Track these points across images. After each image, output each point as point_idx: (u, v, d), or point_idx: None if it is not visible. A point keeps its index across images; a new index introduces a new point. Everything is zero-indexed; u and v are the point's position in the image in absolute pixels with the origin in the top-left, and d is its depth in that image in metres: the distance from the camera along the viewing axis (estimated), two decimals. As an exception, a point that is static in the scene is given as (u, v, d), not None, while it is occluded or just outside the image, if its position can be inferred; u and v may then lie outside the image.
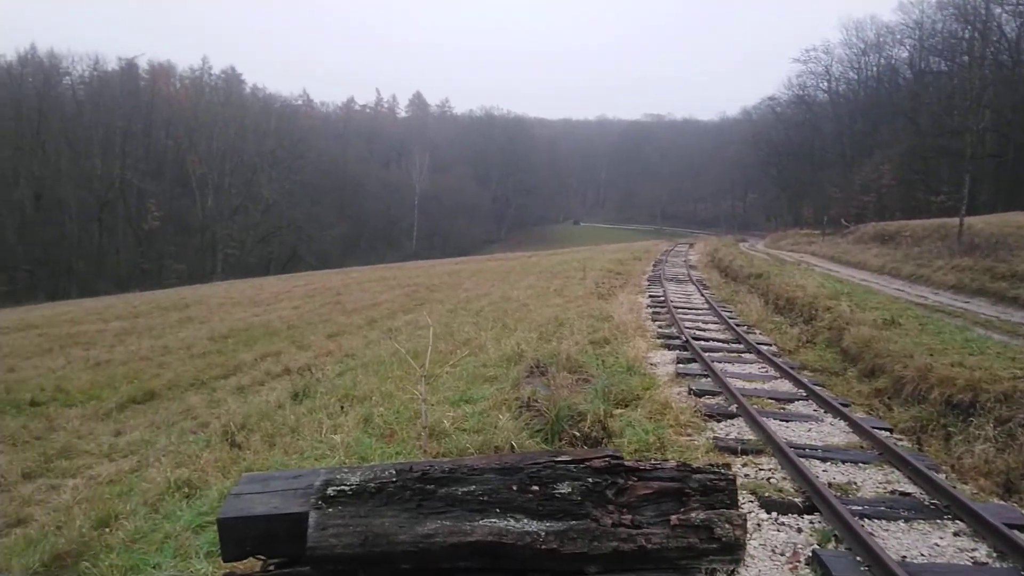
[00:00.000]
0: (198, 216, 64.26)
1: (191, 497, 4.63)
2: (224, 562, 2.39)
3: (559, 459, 2.36)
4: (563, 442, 5.07)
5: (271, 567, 2.40)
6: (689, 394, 6.65)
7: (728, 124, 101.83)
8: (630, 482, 2.27)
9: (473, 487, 2.20)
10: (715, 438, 5.41)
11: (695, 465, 2.33)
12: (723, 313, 11.93)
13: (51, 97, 58.05)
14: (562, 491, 2.19)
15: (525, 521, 2.14)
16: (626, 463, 2.30)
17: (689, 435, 5.46)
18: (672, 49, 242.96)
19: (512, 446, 4.63)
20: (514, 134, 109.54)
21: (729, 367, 8.01)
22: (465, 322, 11.35)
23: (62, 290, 50.50)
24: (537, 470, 2.23)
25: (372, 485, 2.23)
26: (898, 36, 49.57)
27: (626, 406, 6.07)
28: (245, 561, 2.43)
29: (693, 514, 2.20)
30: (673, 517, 2.19)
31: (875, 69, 54.76)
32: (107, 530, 4.16)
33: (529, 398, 5.86)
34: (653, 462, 2.35)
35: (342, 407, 6.40)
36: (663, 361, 8.12)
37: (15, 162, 53.49)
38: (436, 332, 10.72)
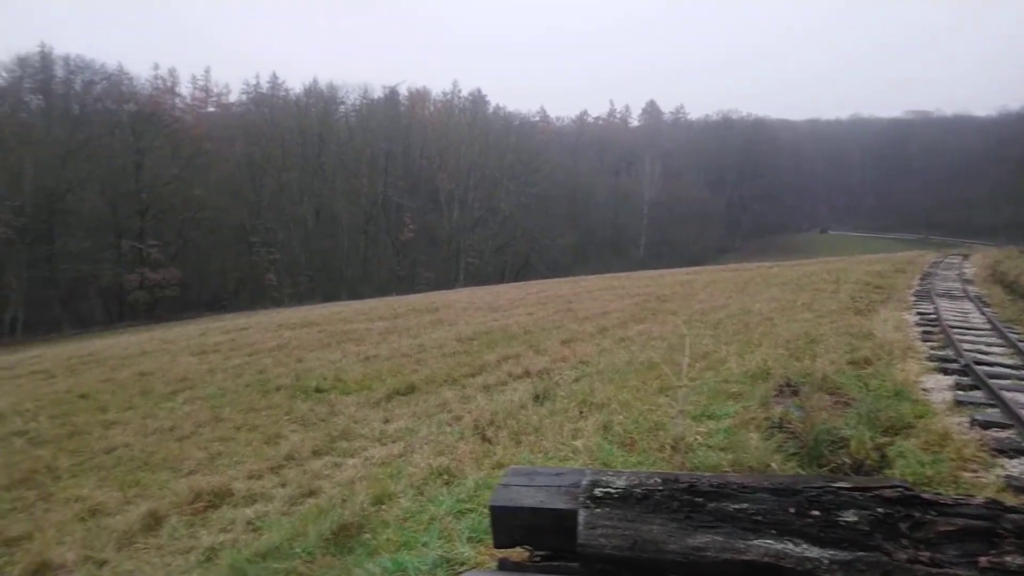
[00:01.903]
0: (445, 228, 70.01)
1: (450, 484, 5.02)
2: (495, 548, 2.54)
3: (837, 485, 2.18)
4: (823, 468, 4.69)
5: (537, 558, 2.51)
6: (972, 425, 5.79)
7: (1010, 120, 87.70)
8: (928, 517, 2.02)
9: (745, 505, 2.11)
10: (1007, 476, 4.64)
11: (1008, 503, 2.02)
12: (1010, 335, 10.21)
13: (329, 124, 67.04)
14: (847, 519, 2.02)
15: (805, 546, 2.01)
16: (923, 495, 2.06)
17: (974, 471, 4.76)
18: (939, 43, 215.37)
19: (769, 467, 4.38)
20: (753, 137, 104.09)
21: (1022, 397, 6.84)
22: (702, 334, 10.99)
23: (334, 293, 57.89)
24: (817, 494, 2.08)
25: (638, 491, 2.24)
26: None
27: (895, 434, 5.45)
28: (513, 549, 2.57)
29: (1008, 558, 1.90)
30: (982, 559, 1.91)
31: None
32: (382, 507, 4.64)
33: (781, 418, 5.51)
34: (955, 497, 2.07)
35: (581, 412, 6.53)
36: (938, 387, 7.16)
37: (301, 182, 62.53)
38: (671, 344, 10.56)
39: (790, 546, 2.03)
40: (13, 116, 50.73)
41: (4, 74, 53.97)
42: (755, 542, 2.04)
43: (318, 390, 9.95)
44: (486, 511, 4.37)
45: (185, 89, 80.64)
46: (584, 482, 2.36)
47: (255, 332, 18.84)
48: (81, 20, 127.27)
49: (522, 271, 68.79)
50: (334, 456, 6.60)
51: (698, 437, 5.18)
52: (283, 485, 5.86)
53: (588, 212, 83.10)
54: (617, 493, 2.28)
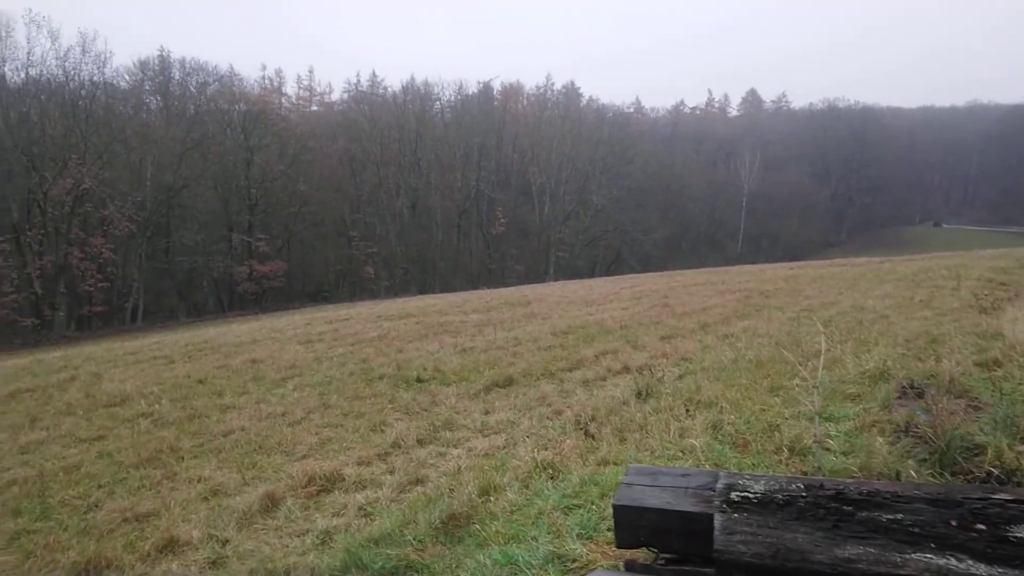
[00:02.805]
0: (536, 222, 70.26)
1: (555, 479, 4.99)
2: (617, 548, 2.48)
3: (1001, 497, 2.00)
4: (957, 477, 4.35)
5: (662, 561, 2.43)
6: (1123, 435, 5.21)
7: None
8: (1113, 537, 1.82)
9: (900, 515, 1.96)
10: None
11: None
12: None
13: (425, 120, 68.54)
14: (1018, 535, 1.84)
15: (970, 563, 1.84)
16: (1105, 515, 1.85)
17: None
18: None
19: (907, 475, 4.11)
20: (860, 126, 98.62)
21: None
22: (812, 332, 10.49)
23: (428, 285, 59.23)
24: (981, 507, 1.91)
25: (779, 497, 2.12)
26: None
27: (1036, 442, 4.99)
28: (637, 550, 2.49)
29: None
30: None
31: None
32: (489, 499, 4.66)
33: (907, 422, 5.17)
34: None
35: (687, 410, 6.35)
36: (1081, 391, 6.52)
37: (397, 177, 64.28)
38: (779, 341, 10.12)
39: (953, 562, 1.86)
40: (135, 116, 54.73)
41: (127, 77, 58.53)
42: (913, 556, 1.89)
43: (419, 380, 10.13)
44: (594, 507, 4.33)
45: (290, 89, 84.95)
46: (719, 485, 2.25)
47: (356, 323, 19.50)
48: (196, 24, 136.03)
49: (613, 265, 68.15)
50: (438, 445, 6.69)
51: (809, 439, 4.92)
52: (391, 472, 5.99)
53: (683, 205, 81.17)
54: (756, 498, 2.16)
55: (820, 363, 4.42)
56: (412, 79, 72.00)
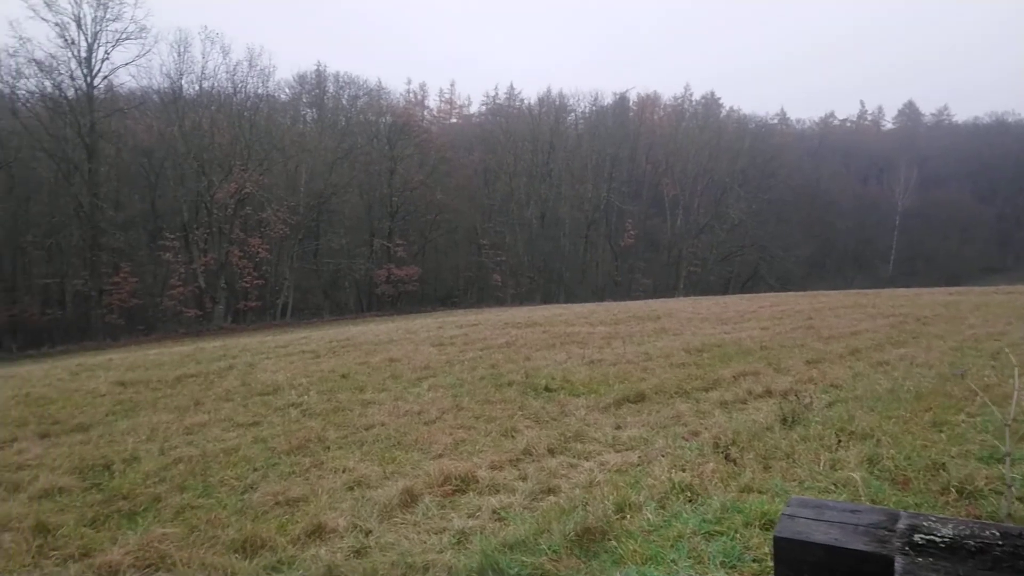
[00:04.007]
0: (667, 235, 68.79)
1: (693, 502, 4.83)
2: (776, 581, 2.32)
3: None
4: None
5: (827, 601, 2.26)
6: None
7: None
8: None
9: (1122, 577, 1.71)
10: None
11: None
12: None
13: (559, 131, 69.05)
14: None
15: None
16: None
17: None
18: None
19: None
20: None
21: None
22: (979, 364, 9.56)
23: (552, 295, 59.53)
24: None
25: (971, 543, 1.90)
26: None
27: None
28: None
29: None
30: None
31: None
32: (624, 516, 4.57)
33: (1103, 472, 4.57)
34: None
35: (839, 441, 5.95)
36: None
37: (528, 187, 65.17)
38: (940, 372, 9.30)
39: None
40: (292, 127, 59.11)
41: (287, 90, 63.43)
42: None
43: (547, 389, 10.11)
44: (737, 536, 4.15)
45: (432, 102, 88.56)
46: (900, 526, 2.07)
47: (485, 328, 19.88)
48: (350, 39, 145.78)
49: (749, 282, 65.31)
50: (569, 456, 6.65)
51: (982, 481, 4.46)
52: (523, 479, 6.01)
53: (829, 221, 76.46)
54: (943, 543, 1.96)
55: (1015, 398, 3.98)
56: (548, 91, 73.11)
